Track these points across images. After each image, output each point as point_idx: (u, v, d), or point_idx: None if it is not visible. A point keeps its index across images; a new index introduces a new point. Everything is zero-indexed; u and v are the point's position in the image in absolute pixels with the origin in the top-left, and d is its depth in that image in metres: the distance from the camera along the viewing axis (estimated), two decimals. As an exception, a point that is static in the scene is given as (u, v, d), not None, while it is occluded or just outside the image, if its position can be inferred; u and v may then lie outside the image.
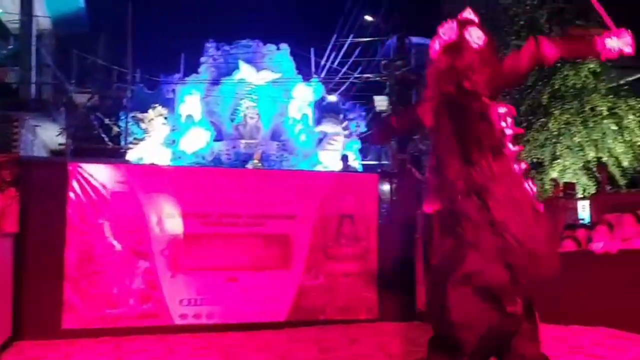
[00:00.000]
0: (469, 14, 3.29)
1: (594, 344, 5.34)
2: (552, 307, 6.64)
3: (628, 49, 2.99)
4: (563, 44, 3.04)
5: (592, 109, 16.44)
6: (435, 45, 3.24)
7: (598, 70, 16.87)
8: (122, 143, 17.76)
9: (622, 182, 16.47)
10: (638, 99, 16.65)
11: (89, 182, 6.46)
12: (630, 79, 20.39)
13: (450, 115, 3.07)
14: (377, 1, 19.43)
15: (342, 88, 21.71)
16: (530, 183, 3.07)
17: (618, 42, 2.98)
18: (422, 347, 5.51)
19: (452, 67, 3.09)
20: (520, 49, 3.03)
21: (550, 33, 17.82)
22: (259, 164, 18.46)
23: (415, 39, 23.02)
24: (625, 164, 16.32)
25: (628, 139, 16.25)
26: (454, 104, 3.07)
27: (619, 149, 16.21)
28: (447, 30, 3.19)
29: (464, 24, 3.21)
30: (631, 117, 16.22)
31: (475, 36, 3.14)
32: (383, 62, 20.46)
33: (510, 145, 3.08)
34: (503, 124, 3.06)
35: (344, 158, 17.23)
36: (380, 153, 21.82)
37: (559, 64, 17.35)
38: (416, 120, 3.39)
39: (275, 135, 20.22)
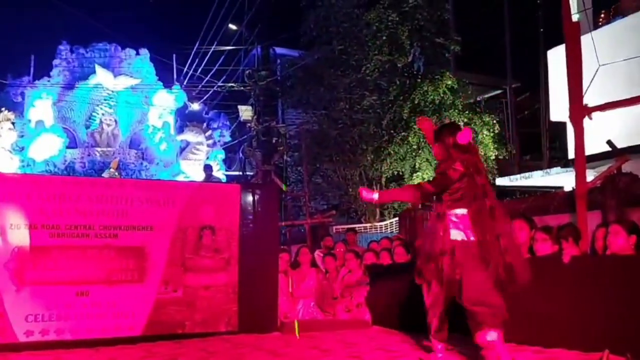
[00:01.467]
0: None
1: (449, 350, 5.50)
2: (410, 315, 6.84)
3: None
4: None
5: (450, 124, 17.34)
6: (454, 140, 4.62)
7: (455, 87, 17.83)
8: (-37, 148, 16.44)
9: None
10: (492, 116, 17.77)
11: None
12: (485, 96, 21.75)
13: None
14: (240, 10, 19.37)
15: (206, 97, 21.45)
16: None
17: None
18: (283, 357, 5.51)
19: (466, 159, 4.56)
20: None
21: (411, 49, 18.65)
22: (116, 173, 17.80)
23: (279, 50, 23.23)
24: (479, 177, 17.31)
25: (482, 153, 17.26)
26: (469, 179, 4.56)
27: (475, 163, 17.16)
28: (466, 135, 4.64)
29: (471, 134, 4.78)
30: (485, 132, 17.25)
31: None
32: (247, 71, 20.43)
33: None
34: None
35: (207, 168, 17.00)
36: (244, 164, 21.76)
37: (419, 79, 18.18)
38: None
39: (133, 143, 19.60)
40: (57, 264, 6.26)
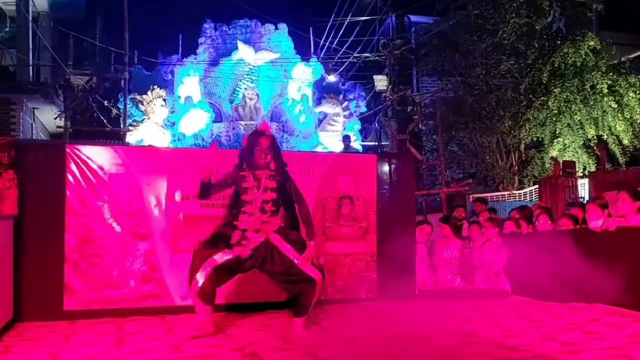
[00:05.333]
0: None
1: (591, 320, 5.38)
2: (550, 284, 6.69)
3: None
4: None
5: (592, 87, 16.36)
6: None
7: (598, 47, 16.78)
8: (122, 125, 17.70)
9: (622, 160, 16.46)
10: (638, 77, 16.56)
11: (87, 165, 6.48)
12: (630, 56, 20.26)
13: None
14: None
15: (342, 68, 21.61)
16: None
17: None
18: (421, 325, 5.60)
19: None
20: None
21: (550, 10, 17.73)
22: (259, 146, 18.37)
23: (414, 18, 22.89)
24: (625, 141, 16.29)
25: (628, 116, 16.20)
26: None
27: (619, 126, 16.16)
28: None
29: None
30: (631, 94, 16.15)
31: None
32: (382, 41, 20.34)
33: None
34: None
35: (346, 139, 17.21)
36: (380, 134, 21.82)
37: (559, 41, 17.28)
38: None
39: (274, 116, 20.17)
40: (207, 232, 6.66)
